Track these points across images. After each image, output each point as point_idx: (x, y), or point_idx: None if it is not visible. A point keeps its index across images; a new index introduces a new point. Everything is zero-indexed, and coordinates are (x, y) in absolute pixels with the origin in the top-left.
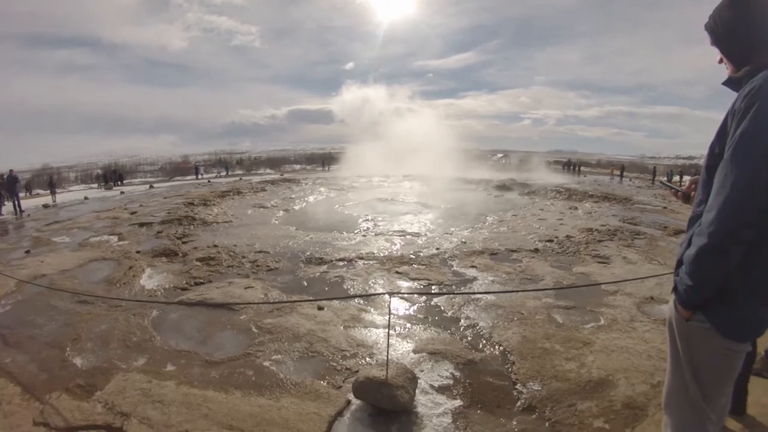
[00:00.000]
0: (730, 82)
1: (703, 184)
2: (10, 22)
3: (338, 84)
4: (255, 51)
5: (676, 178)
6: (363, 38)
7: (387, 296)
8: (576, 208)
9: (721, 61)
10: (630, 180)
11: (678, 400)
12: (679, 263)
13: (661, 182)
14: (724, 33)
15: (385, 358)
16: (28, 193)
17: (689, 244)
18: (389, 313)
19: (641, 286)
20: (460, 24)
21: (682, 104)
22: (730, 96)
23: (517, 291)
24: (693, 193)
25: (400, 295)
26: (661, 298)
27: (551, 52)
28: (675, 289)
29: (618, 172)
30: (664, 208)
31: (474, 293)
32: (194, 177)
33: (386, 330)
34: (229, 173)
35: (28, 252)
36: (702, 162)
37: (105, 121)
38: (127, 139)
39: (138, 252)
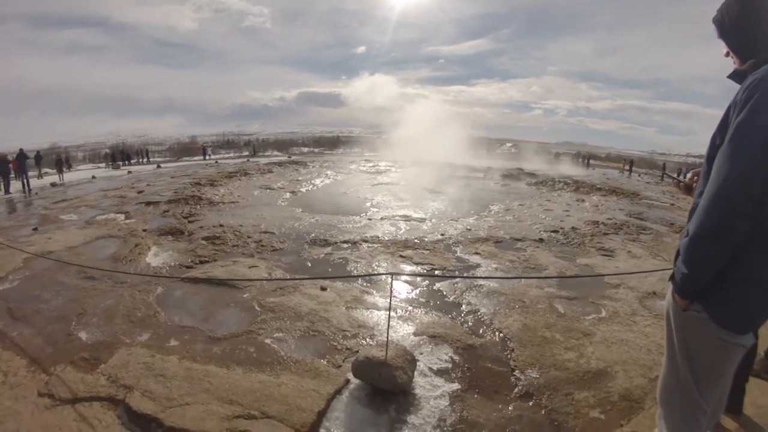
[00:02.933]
0: (735, 75)
1: (704, 174)
2: (19, 1)
3: (348, 67)
4: (266, 32)
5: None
6: (375, 22)
7: (389, 277)
8: (583, 201)
9: (728, 54)
10: (639, 175)
11: (672, 390)
12: (678, 253)
13: (665, 174)
14: (731, 26)
15: (386, 340)
16: (39, 171)
17: (687, 233)
18: (390, 294)
19: (644, 280)
20: (473, 10)
21: (695, 101)
22: None
23: (520, 278)
24: (695, 184)
25: (402, 277)
26: (664, 293)
27: (565, 42)
28: (672, 278)
29: (628, 167)
30: (672, 204)
31: (476, 278)
32: (202, 158)
33: (387, 312)
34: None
35: (35, 229)
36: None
37: (113, 102)
38: (135, 119)
39: (144, 230)
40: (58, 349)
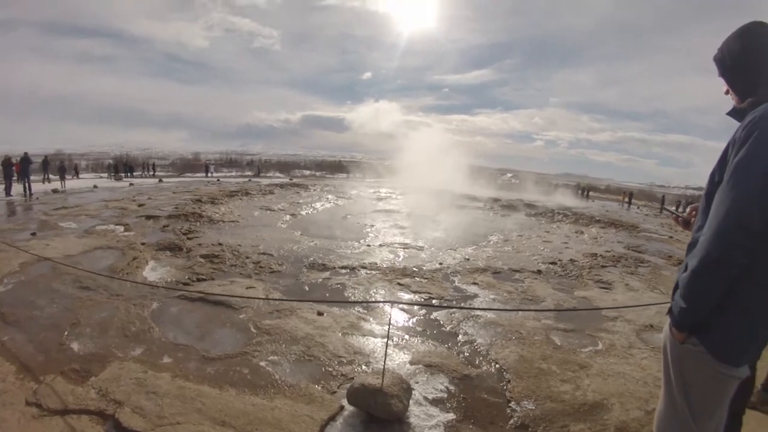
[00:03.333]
0: (734, 113)
1: (703, 210)
2: (31, 8)
3: (354, 93)
4: (274, 54)
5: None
6: (382, 49)
7: (387, 305)
8: (582, 233)
9: (727, 92)
10: (638, 207)
11: (669, 423)
12: (676, 287)
13: (663, 208)
14: (731, 64)
15: (382, 367)
16: (45, 175)
17: (686, 268)
18: (389, 323)
19: (641, 313)
20: (478, 41)
21: (695, 133)
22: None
23: (518, 310)
24: (693, 219)
25: (400, 305)
26: (661, 327)
27: (567, 73)
28: (670, 312)
29: (627, 199)
30: (670, 237)
31: (474, 309)
32: (204, 175)
33: (384, 340)
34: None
35: (34, 234)
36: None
37: (120, 112)
38: (141, 131)
39: (143, 244)
40: (50, 358)
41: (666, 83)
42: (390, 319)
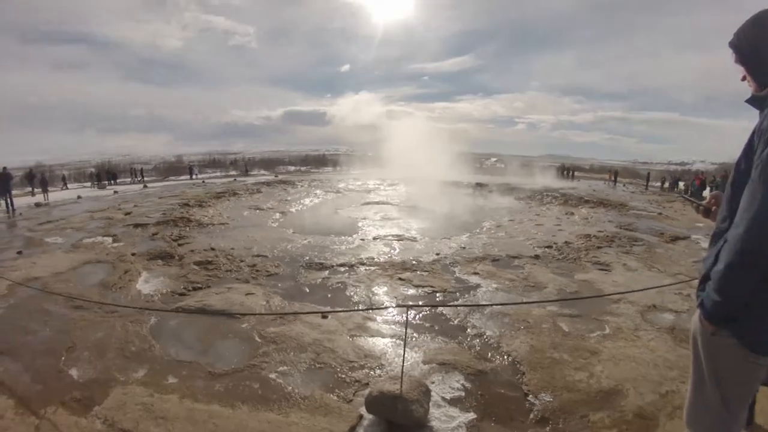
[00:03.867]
0: (753, 101)
1: (728, 199)
2: (5, 16)
3: (333, 86)
4: (251, 51)
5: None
6: (359, 40)
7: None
8: (572, 214)
9: (744, 78)
10: (624, 185)
11: (702, 414)
12: (704, 278)
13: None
14: (749, 51)
15: (395, 370)
16: (32, 189)
17: (715, 259)
18: (406, 327)
19: (643, 294)
20: (456, 27)
21: (675, 110)
22: (722, 103)
23: (535, 302)
24: (714, 208)
25: (402, 301)
26: (663, 306)
27: (547, 57)
28: (701, 305)
29: (613, 178)
30: (659, 214)
31: (491, 305)
32: (189, 177)
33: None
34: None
35: (20, 253)
36: (703, 171)
37: (98, 119)
38: (121, 137)
39: (133, 254)
40: (48, 388)
41: (644, 61)
42: (407, 323)
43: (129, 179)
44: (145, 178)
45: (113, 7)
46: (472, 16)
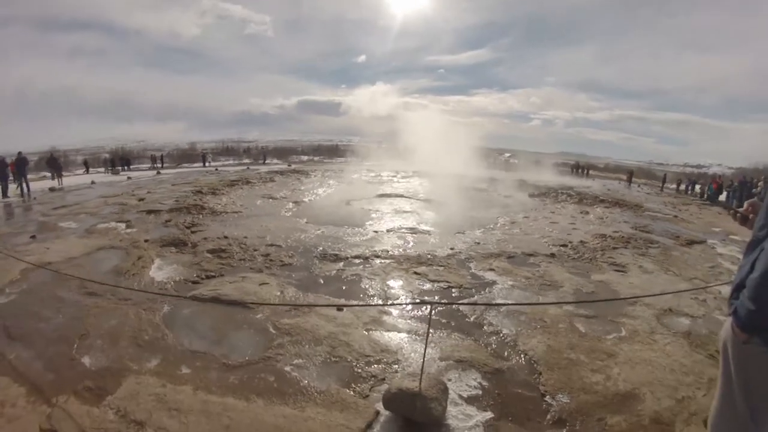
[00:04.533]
0: None
1: (767, 208)
2: (21, 4)
3: (349, 76)
4: (267, 40)
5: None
6: (376, 31)
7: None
8: (587, 213)
9: None
10: (639, 186)
11: (727, 420)
12: (739, 287)
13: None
14: None
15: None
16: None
17: (751, 268)
18: (429, 324)
19: (659, 297)
20: (473, 20)
21: (693, 112)
22: (741, 106)
23: (557, 303)
24: (751, 216)
25: (416, 296)
26: (680, 311)
27: (564, 52)
28: (734, 313)
29: (628, 178)
30: (675, 216)
31: (513, 304)
32: (202, 164)
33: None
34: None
35: (33, 237)
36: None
37: (114, 106)
38: (135, 124)
39: (146, 241)
40: (60, 376)
41: (664, 61)
42: (430, 320)
43: (144, 165)
44: (158, 165)
45: None
46: (488, 9)
